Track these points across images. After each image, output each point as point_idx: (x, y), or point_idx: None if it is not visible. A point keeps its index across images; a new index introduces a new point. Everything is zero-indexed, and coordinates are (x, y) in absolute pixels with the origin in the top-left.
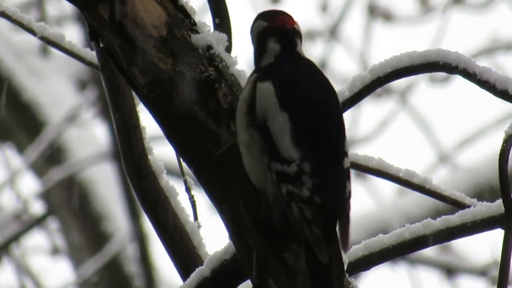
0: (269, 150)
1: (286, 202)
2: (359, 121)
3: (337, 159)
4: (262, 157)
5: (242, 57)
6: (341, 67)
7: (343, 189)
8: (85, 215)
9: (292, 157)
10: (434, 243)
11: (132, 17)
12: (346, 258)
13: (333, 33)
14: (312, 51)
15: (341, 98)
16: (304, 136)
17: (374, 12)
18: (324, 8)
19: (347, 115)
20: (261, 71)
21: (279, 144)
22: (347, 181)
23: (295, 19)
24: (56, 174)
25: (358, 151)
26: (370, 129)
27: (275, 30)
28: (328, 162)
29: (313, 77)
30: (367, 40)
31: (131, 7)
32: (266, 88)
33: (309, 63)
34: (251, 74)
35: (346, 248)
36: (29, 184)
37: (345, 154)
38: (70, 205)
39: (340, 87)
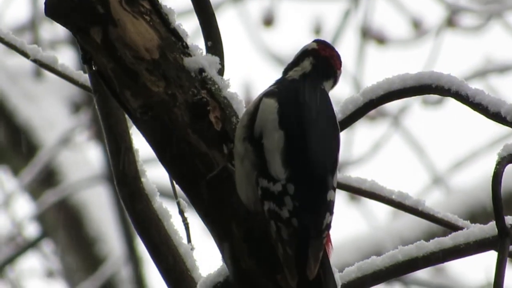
0: (260, 166)
1: (266, 218)
2: (352, 144)
3: (323, 189)
4: (252, 172)
5: (235, 80)
6: (334, 90)
7: (322, 219)
8: (79, 238)
9: (279, 176)
10: (427, 265)
11: (124, 40)
12: (339, 279)
13: None
14: None
15: None
16: (296, 158)
17: (367, 35)
18: (317, 30)
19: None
20: (275, 85)
21: (270, 161)
22: (327, 212)
23: (342, 68)
24: (51, 196)
25: (351, 173)
26: (363, 152)
27: (318, 56)
28: (313, 189)
29: (322, 106)
30: (360, 62)
31: (123, 30)
32: (270, 104)
33: (326, 95)
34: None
35: (310, 274)
36: (24, 206)
37: (332, 187)
38: (65, 228)
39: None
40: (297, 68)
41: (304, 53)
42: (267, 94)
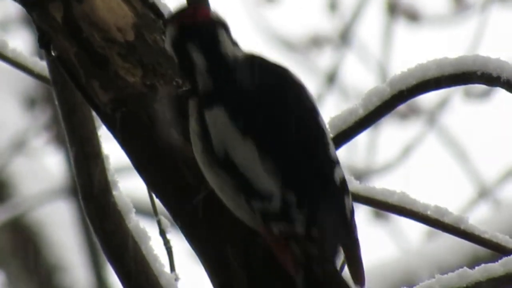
0: (243, 187)
1: (283, 243)
2: (377, 146)
3: (325, 173)
4: (239, 197)
5: None
6: (355, 79)
7: (343, 208)
8: (36, 265)
9: (270, 190)
10: None
11: (91, 18)
12: None
13: (344, 37)
14: (319, 60)
15: (354, 117)
16: (278, 161)
17: (395, 11)
18: (333, 7)
19: (361, 138)
20: (201, 94)
21: (251, 178)
22: (344, 196)
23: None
24: (0, 214)
25: (376, 184)
26: (391, 157)
27: (190, 33)
28: (315, 181)
29: (267, 81)
30: (386, 45)
31: (90, 6)
32: (217, 115)
33: (255, 61)
34: (188, 99)
35: (361, 281)
36: None
37: (333, 163)
38: (18, 253)
39: (353, 104)
40: (196, 70)
41: (179, 47)
42: (204, 105)
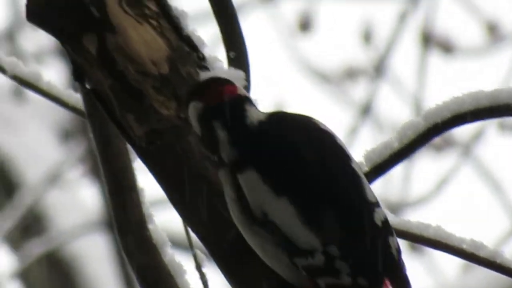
0: (285, 244)
1: None
2: (412, 179)
3: (365, 218)
4: (281, 255)
5: (264, 99)
6: (389, 112)
7: (388, 249)
8: None
9: (312, 246)
10: None
11: (126, 50)
12: None
13: (378, 69)
14: (353, 92)
15: (389, 151)
16: (316, 215)
17: (430, 42)
18: (367, 38)
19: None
20: (227, 164)
21: (292, 236)
22: (388, 236)
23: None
24: (35, 247)
25: (411, 217)
26: (426, 189)
27: (215, 111)
28: (355, 228)
29: (296, 135)
30: (420, 77)
31: (124, 38)
32: (250, 178)
33: (280, 119)
34: (218, 169)
35: None
36: (2, 260)
37: (373, 205)
38: (53, 287)
39: (388, 137)
40: (220, 143)
41: (205, 121)
42: (236, 170)
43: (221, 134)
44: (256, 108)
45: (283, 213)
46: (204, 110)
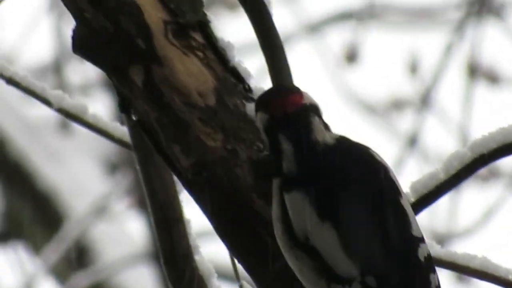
0: (324, 270)
1: None
2: (458, 210)
3: (409, 253)
4: (319, 280)
5: None
6: (435, 143)
7: (428, 285)
8: None
9: (351, 274)
10: None
11: (172, 82)
12: None
13: (425, 100)
14: (400, 123)
15: (435, 181)
16: (358, 244)
17: (476, 73)
18: (413, 69)
19: (442, 202)
20: (284, 176)
21: (332, 263)
22: (430, 274)
23: (303, 90)
24: (82, 280)
25: (457, 248)
26: (472, 220)
27: (281, 123)
28: (397, 260)
29: (351, 164)
30: (466, 108)
31: (171, 70)
32: (297, 198)
33: (341, 145)
34: (273, 178)
35: None
36: None
37: (417, 241)
38: None
39: (434, 168)
40: (284, 155)
41: (270, 133)
42: (285, 188)
43: (286, 146)
44: (321, 119)
45: (325, 239)
46: (269, 121)
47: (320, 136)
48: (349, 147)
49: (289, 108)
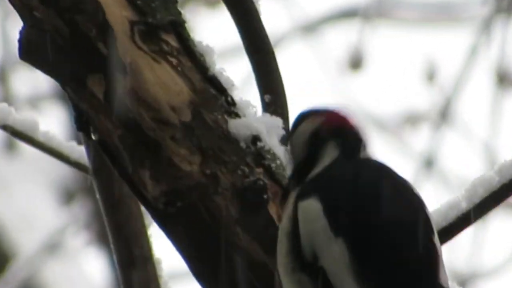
0: None
1: None
2: (483, 246)
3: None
4: None
5: None
6: (457, 164)
7: None
8: None
9: None
10: None
11: (139, 94)
12: None
13: (444, 114)
14: (415, 141)
15: (456, 212)
16: (373, 271)
17: (506, 81)
18: (431, 78)
19: (464, 235)
20: (304, 184)
21: (337, 286)
22: None
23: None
24: None
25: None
26: (499, 258)
27: (337, 133)
28: None
29: (381, 183)
30: (494, 124)
31: (138, 80)
32: (310, 207)
33: (376, 164)
34: (290, 191)
35: None
36: None
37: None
38: None
39: (455, 195)
40: (318, 162)
41: (316, 138)
42: (301, 195)
43: (331, 152)
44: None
45: (336, 257)
46: (323, 127)
47: (364, 156)
48: (390, 174)
49: (348, 124)
